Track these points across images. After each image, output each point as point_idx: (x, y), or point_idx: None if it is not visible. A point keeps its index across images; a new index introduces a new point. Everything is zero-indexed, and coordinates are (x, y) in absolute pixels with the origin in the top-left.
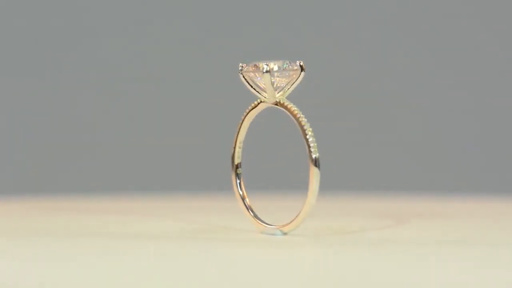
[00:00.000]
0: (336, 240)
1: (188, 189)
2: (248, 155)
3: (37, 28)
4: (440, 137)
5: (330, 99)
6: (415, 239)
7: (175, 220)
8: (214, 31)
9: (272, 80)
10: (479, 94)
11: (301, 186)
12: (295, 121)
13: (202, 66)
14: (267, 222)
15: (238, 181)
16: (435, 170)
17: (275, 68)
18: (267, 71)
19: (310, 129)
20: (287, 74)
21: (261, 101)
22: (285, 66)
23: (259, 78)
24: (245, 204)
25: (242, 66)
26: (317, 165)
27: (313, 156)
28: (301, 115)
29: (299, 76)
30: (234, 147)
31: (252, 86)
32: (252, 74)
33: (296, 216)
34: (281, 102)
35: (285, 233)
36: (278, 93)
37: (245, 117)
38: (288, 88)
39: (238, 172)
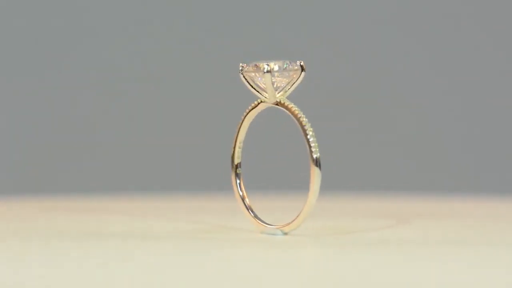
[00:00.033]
0: (336, 240)
1: (188, 189)
2: (248, 155)
3: (37, 28)
4: (440, 137)
5: (330, 99)
6: (415, 239)
7: (175, 220)
8: (214, 31)
9: (273, 80)
10: (479, 94)
11: (301, 186)
12: (296, 121)
13: (202, 66)
14: (267, 222)
15: (238, 181)
16: (435, 170)
17: (276, 68)
18: (268, 71)
19: (311, 129)
20: (287, 74)
21: (261, 101)
22: (285, 66)
23: (259, 78)
24: (245, 204)
25: (243, 66)
26: (318, 165)
27: (314, 156)
28: (302, 115)
29: (299, 76)
30: (234, 147)
31: (252, 86)
32: (252, 74)
33: (297, 216)
34: (282, 102)
35: (285, 233)
36: (278, 93)
37: (245, 117)
38: (289, 88)
39: (238, 172)
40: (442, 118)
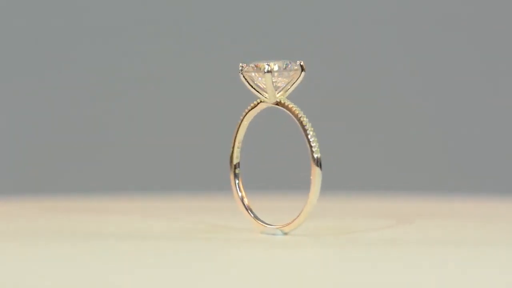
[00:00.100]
0: (336, 240)
1: (188, 189)
2: (248, 155)
3: (37, 28)
4: (440, 137)
5: (330, 99)
6: (415, 239)
7: (175, 220)
8: (214, 31)
9: (273, 80)
10: (479, 94)
11: (301, 186)
12: (297, 121)
13: (202, 66)
14: (267, 222)
15: (236, 181)
16: (435, 170)
17: (276, 68)
18: (268, 71)
19: (312, 129)
20: (287, 74)
21: (260, 101)
22: (285, 66)
23: (259, 78)
24: (244, 204)
25: (242, 66)
26: (319, 165)
27: (315, 156)
28: (303, 115)
29: (299, 76)
30: (233, 147)
31: (252, 86)
32: (252, 74)
33: (297, 216)
34: (282, 102)
35: (285, 233)
36: (278, 93)
37: (244, 117)
38: (289, 88)
39: (236, 172)
40: (442, 118)
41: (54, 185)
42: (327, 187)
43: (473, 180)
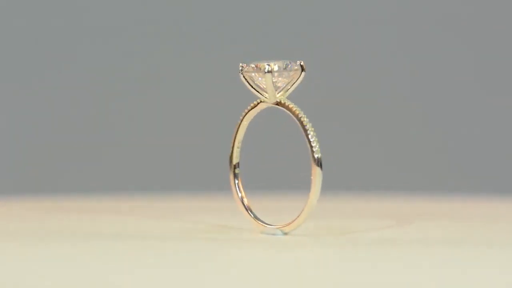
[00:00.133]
0: (336, 240)
1: (188, 189)
2: (248, 155)
3: (37, 28)
4: (440, 137)
5: (330, 99)
6: (415, 239)
7: (175, 220)
8: (214, 31)
9: (273, 80)
10: (479, 94)
11: (301, 186)
12: (297, 121)
13: (202, 66)
14: (266, 222)
15: (236, 181)
16: (435, 170)
17: (276, 68)
18: (269, 71)
19: (312, 129)
20: (287, 74)
21: (260, 101)
22: (285, 66)
23: (260, 78)
24: (243, 204)
25: (242, 66)
26: (319, 165)
27: (316, 156)
28: (303, 115)
29: (299, 76)
30: (232, 147)
31: (252, 86)
32: (252, 74)
33: (298, 216)
34: (282, 102)
35: (285, 233)
36: (278, 93)
37: (244, 117)
38: (289, 88)
39: (236, 172)
40: (442, 118)
41: (54, 185)
42: (327, 187)
43: (473, 180)
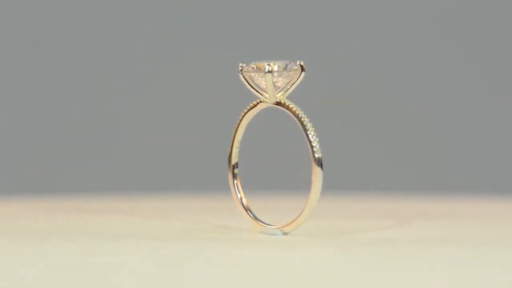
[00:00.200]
0: (336, 240)
1: (188, 189)
2: (248, 155)
3: (37, 28)
4: (440, 137)
5: (330, 99)
6: (415, 239)
7: (175, 220)
8: (214, 31)
9: (273, 80)
10: (479, 94)
11: (301, 186)
12: (297, 121)
13: (202, 66)
14: (266, 222)
15: (235, 181)
16: (435, 170)
17: (276, 68)
18: (269, 71)
19: (313, 129)
20: (287, 74)
21: (260, 101)
22: (285, 66)
23: (259, 78)
24: (242, 204)
25: (242, 66)
26: (320, 165)
27: (316, 156)
28: (303, 115)
29: (299, 76)
30: (231, 147)
31: (252, 86)
32: (252, 74)
33: (298, 216)
34: (282, 102)
35: (285, 233)
36: (278, 93)
37: (243, 117)
38: (289, 88)
39: (235, 172)
40: (442, 118)
41: (54, 185)
42: (327, 187)
43: (473, 180)
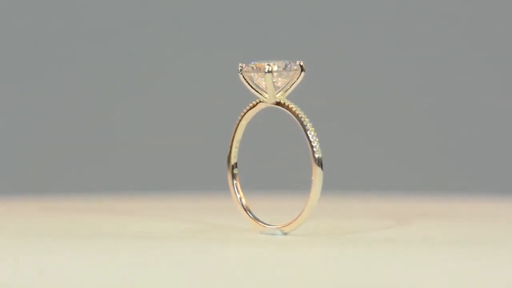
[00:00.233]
0: (336, 240)
1: (188, 189)
2: (248, 155)
3: (37, 28)
4: (440, 137)
5: (330, 99)
6: (415, 239)
7: (175, 220)
8: (214, 31)
9: (273, 80)
10: (479, 94)
11: (301, 186)
12: (297, 121)
13: (202, 66)
14: (265, 222)
15: (234, 181)
16: (435, 170)
17: (275, 68)
18: (269, 71)
19: (313, 129)
20: (287, 74)
21: (260, 101)
22: (285, 66)
23: (259, 78)
24: (242, 205)
25: (242, 66)
26: (320, 165)
27: (316, 156)
28: (303, 115)
29: (299, 76)
30: (231, 147)
31: (251, 86)
32: (251, 74)
33: (298, 216)
34: (282, 102)
35: (285, 233)
36: (278, 93)
37: (242, 117)
38: (289, 88)
39: (234, 172)
40: (442, 118)
41: (54, 185)
42: (327, 187)
43: (473, 180)
